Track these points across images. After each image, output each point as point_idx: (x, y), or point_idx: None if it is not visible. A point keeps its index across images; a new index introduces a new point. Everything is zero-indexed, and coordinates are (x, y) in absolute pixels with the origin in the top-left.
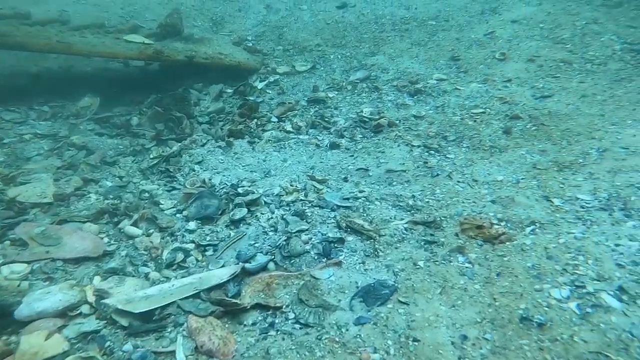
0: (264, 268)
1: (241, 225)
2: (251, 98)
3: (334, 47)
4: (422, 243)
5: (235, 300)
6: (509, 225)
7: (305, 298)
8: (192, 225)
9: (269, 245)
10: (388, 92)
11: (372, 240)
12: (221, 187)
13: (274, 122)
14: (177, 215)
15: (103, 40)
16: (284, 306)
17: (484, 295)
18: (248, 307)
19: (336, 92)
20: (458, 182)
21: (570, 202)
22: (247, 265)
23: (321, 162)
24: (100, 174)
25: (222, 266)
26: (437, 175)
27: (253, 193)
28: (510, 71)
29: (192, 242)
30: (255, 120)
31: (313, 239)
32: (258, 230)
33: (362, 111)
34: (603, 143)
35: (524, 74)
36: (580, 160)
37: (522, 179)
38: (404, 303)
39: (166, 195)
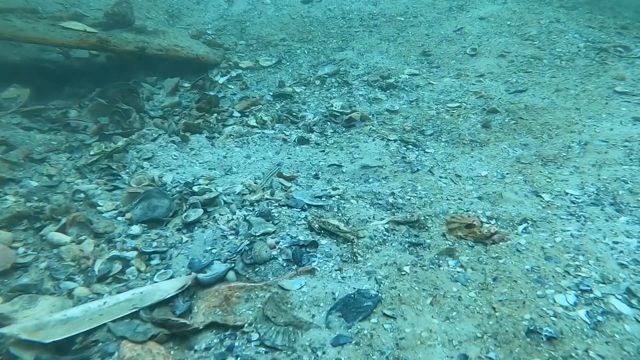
0: (221, 278)
1: (196, 228)
2: (211, 93)
3: (300, 42)
4: (407, 245)
5: (184, 320)
6: (499, 223)
7: (272, 314)
8: (135, 229)
9: (229, 252)
10: (359, 87)
11: (350, 243)
12: (173, 185)
13: (237, 117)
14: (118, 218)
15: (34, 26)
16: (246, 325)
17: (482, 305)
18: (201, 328)
19: (304, 87)
20: (440, 177)
21: (560, 198)
22: (201, 275)
23: (289, 157)
24: (24, 173)
25: (171, 277)
26: (418, 170)
27: (211, 191)
28: (483, 66)
29: (135, 249)
30: (215, 114)
31: (281, 243)
32: (216, 233)
33: (332, 105)
34: (583, 136)
35: (497, 69)
36: (564, 154)
37: (507, 173)
38: (390, 317)
39: (106, 195)
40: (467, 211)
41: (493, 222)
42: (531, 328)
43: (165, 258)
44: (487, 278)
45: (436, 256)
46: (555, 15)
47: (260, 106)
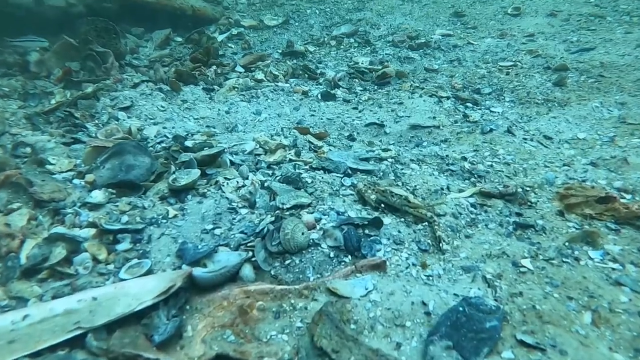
0: (232, 276)
1: (189, 197)
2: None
3: (310, 2)
4: (511, 228)
5: (165, 358)
6: (637, 197)
7: (330, 344)
8: (97, 196)
9: (243, 233)
10: (383, 47)
11: (427, 223)
12: (158, 140)
13: (240, 72)
14: (75, 181)
15: None
16: None
17: None
18: None
19: (317, 47)
20: (525, 139)
21: None
22: (198, 270)
23: (312, 115)
24: None
25: (148, 272)
26: (491, 131)
27: (211, 146)
28: (531, 26)
29: (93, 225)
30: (214, 67)
31: (323, 221)
32: (220, 205)
33: (357, 62)
34: None
35: (549, 29)
36: None
37: (614, 135)
38: (534, 347)
39: (61, 150)
40: (584, 181)
41: (629, 195)
42: None
43: (140, 241)
44: None
45: (566, 244)
46: None
47: (269, 61)
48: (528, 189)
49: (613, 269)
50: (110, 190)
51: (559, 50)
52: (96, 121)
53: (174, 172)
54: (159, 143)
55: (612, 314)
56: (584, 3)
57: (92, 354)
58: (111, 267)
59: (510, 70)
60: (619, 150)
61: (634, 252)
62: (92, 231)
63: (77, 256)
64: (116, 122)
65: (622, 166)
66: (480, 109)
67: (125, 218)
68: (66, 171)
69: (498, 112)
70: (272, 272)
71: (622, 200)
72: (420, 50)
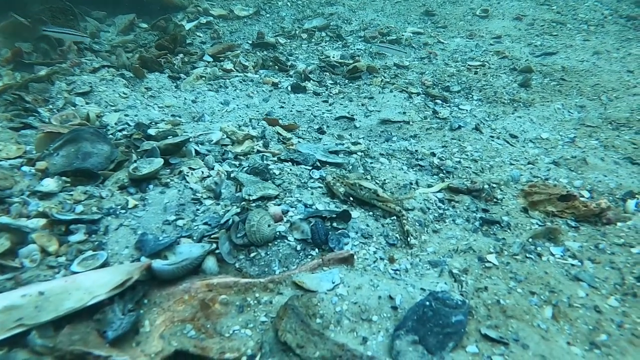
0: (195, 269)
1: (151, 187)
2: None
3: None
4: (477, 224)
5: (119, 356)
6: (596, 196)
7: (295, 339)
8: (49, 184)
9: (206, 224)
10: (355, 42)
11: (395, 217)
12: (119, 128)
13: (208, 61)
14: (24, 168)
15: None
16: (243, 358)
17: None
18: None
19: (288, 40)
20: (492, 137)
21: None
22: (158, 263)
23: (282, 107)
24: None
25: (104, 265)
26: (459, 127)
27: (175, 135)
28: (498, 28)
29: (43, 215)
30: (181, 55)
31: (291, 213)
32: (183, 195)
33: (328, 56)
34: None
35: (515, 32)
36: (639, 117)
37: (574, 137)
38: (497, 342)
39: (9, 135)
40: (547, 179)
41: (586, 194)
42: None
43: (96, 232)
44: (627, 277)
45: (530, 240)
46: None
47: (238, 52)
48: (494, 185)
49: (572, 265)
50: (64, 178)
51: (524, 53)
52: (50, 106)
53: (135, 161)
54: (119, 131)
55: (570, 309)
56: (547, 10)
57: (35, 352)
58: (62, 259)
59: (478, 70)
60: (579, 151)
61: (591, 249)
62: (42, 221)
63: (23, 248)
64: (73, 108)
65: (582, 166)
66: (449, 106)
67: (79, 208)
68: (14, 158)
69: (466, 110)
70: (237, 265)
71: (581, 199)
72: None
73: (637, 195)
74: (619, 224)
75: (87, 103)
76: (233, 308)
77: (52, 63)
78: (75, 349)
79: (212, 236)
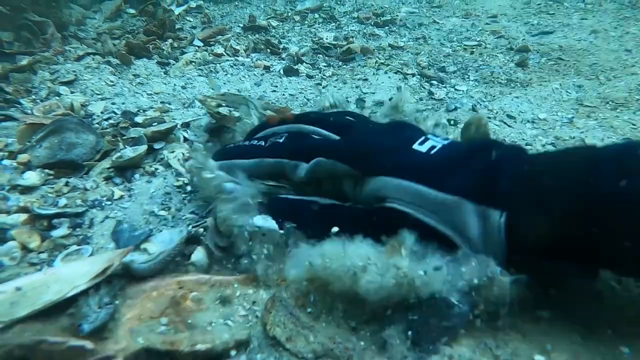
0: (172, 259)
1: (136, 177)
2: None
3: None
4: None
5: (90, 345)
6: None
7: (283, 331)
8: (31, 177)
9: (193, 213)
10: (348, 24)
11: None
12: (105, 117)
13: (199, 46)
14: (5, 162)
15: None
16: (232, 351)
17: None
18: None
19: (280, 22)
20: (489, 118)
21: None
22: (134, 263)
23: (274, 90)
24: None
25: (89, 255)
26: (456, 109)
27: (163, 122)
28: (494, 7)
29: (24, 210)
30: (170, 40)
31: None
32: (169, 183)
33: (322, 38)
34: None
35: (511, 11)
36: (637, 97)
37: (573, 117)
38: None
39: None
40: None
41: None
42: None
43: (80, 225)
44: None
45: None
46: None
47: (229, 35)
48: None
49: None
50: (47, 171)
51: (520, 32)
52: (33, 97)
53: (121, 150)
54: (105, 120)
55: None
56: None
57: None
58: (44, 255)
59: (474, 50)
60: (577, 132)
61: None
62: (23, 217)
63: (2, 245)
64: (57, 98)
65: None
66: (445, 87)
67: (63, 201)
68: None
69: (463, 91)
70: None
71: None
72: (386, 27)
73: None
74: None
75: (72, 92)
76: (208, 303)
77: (35, 52)
78: (23, 340)
79: (201, 225)
